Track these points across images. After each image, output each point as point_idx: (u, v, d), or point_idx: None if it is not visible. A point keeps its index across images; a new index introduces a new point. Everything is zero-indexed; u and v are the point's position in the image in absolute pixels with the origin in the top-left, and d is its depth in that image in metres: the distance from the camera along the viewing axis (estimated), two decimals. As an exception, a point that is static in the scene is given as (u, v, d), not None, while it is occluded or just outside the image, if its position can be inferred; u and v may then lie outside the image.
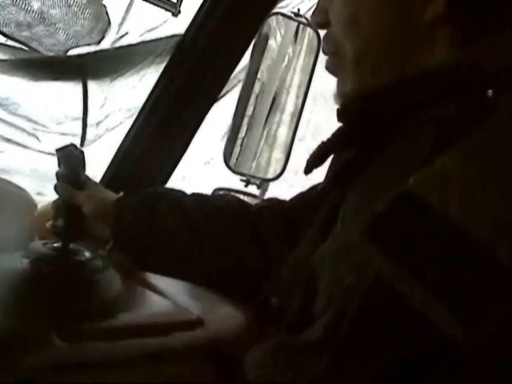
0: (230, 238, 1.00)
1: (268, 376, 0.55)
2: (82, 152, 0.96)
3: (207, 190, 1.14)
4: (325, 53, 0.74)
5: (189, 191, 1.07)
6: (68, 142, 0.94)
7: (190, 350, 0.81)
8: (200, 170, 2.94)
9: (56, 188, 0.98)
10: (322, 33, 1.34)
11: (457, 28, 0.63)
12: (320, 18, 0.73)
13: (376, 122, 0.64)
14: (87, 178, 1.03)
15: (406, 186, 0.49)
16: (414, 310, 0.45)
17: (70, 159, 0.95)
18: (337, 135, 0.68)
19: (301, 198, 1.00)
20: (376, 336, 0.48)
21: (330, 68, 0.73)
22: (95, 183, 1.09)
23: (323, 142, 0.69)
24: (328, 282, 0.57)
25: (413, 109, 0.61)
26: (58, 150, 0.94)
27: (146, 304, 0.87)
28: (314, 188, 0.95)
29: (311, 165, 0.71)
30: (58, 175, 0.97)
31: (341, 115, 0.69)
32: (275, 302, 0.75)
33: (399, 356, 0.47)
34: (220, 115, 1.54)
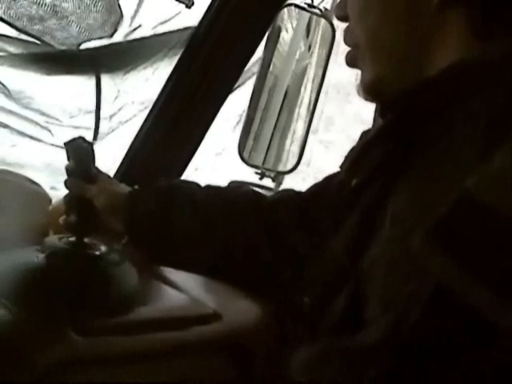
0: (243, 229, 0.99)
1: (325, 377, 0.55)
2: (91, 144, 0.94)
3: (219, 181, 1.14)
4: (348, 45, 0.74)
5: (201, 183, 1.07)
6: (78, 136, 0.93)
7: (207, 344, 0.81)
8: (212, 161, 2.94)
9: (66, 183, 0.97)
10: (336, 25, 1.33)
11: (471, 13, 0.62)
12: (340, 11, 0.74)
13: (421, 116, 0.63)
14: (98, 171, 1.02)
15: (466, 189, 0.47)
16: (479, 316, 0.44)
17: (79, 152, 0.93)
18: (380, 131, 0.67)
19: (317, 188, 0.99)
20: (439, 342, 0.47)
21: (348, 61, 0.74)
22: (108, 176, 1.09)
23: (367, 141, 0.68)
24: (384, 287, 0.55)
25: (457, 102, 0.59)
26: (66, 144, 0.92)
27: (162, 298, 0.87)
28: (330, 178, 0.94)
29: (354, 161, 0.70)
30: (67, 170, 0.96)
31: (383, 110, 0.69)
32: (308, 302, 0.74)
33: (460, 361, 0.46)
34: (231, 106, 1.53)
